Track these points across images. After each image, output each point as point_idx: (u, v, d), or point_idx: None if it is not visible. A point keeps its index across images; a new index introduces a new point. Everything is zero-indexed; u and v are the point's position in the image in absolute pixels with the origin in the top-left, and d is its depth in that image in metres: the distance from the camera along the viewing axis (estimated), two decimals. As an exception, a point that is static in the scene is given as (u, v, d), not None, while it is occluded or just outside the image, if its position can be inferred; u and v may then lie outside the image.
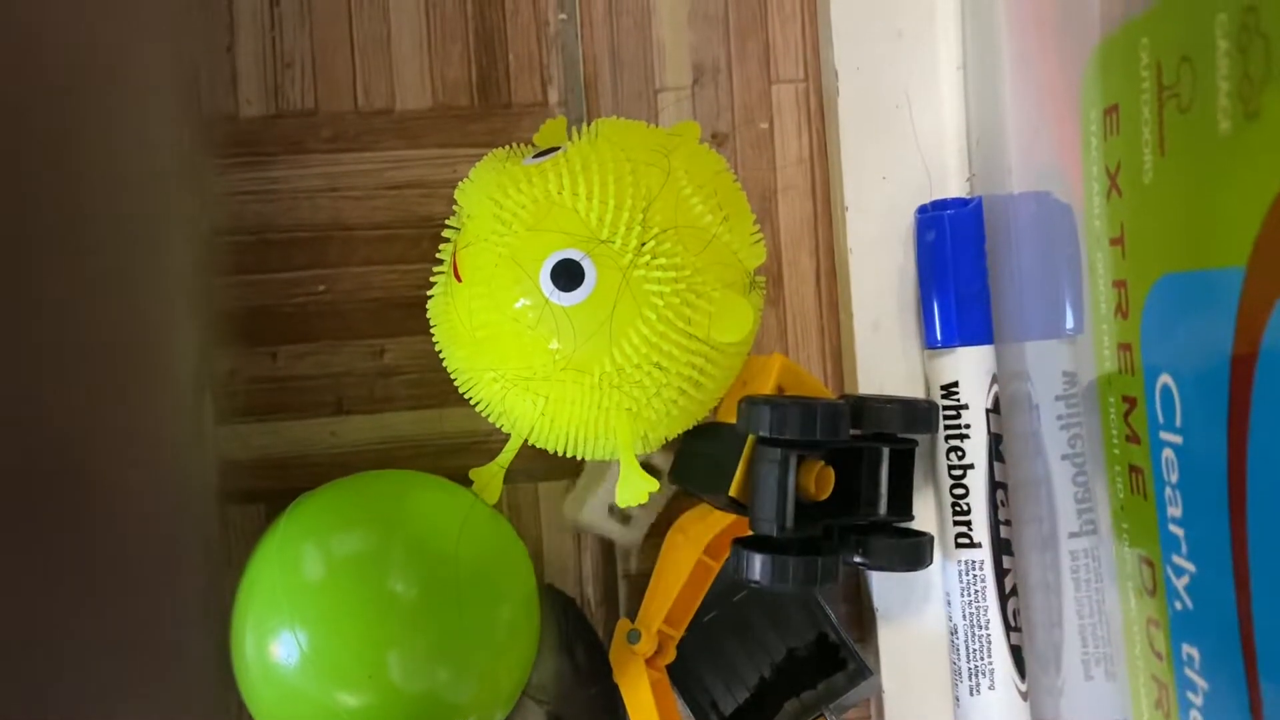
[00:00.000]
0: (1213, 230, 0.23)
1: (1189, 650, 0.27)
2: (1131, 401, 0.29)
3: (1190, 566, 0.26)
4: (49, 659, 0.12)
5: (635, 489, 0.38)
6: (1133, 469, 0.30)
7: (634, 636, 0.41)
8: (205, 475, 0.33)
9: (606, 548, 0.47)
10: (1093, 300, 0.31)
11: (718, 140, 0.47)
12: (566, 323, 0.36)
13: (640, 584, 0.46)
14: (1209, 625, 0.26)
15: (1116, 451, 0.31)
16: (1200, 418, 0.25)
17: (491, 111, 0.47)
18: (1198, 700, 0.27)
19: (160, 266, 0.35)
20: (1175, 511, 0.27)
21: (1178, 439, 0.26)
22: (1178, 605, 0.28)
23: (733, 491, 0.38)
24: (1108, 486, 0.32)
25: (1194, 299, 0.25)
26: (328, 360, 0.46)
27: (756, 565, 0.36)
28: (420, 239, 0.46)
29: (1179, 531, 0.27)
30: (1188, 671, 0.27)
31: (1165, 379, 0.27)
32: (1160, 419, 0.27)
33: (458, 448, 0.46)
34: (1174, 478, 0.27)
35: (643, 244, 0.36)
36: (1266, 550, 0.23)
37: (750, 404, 0.37)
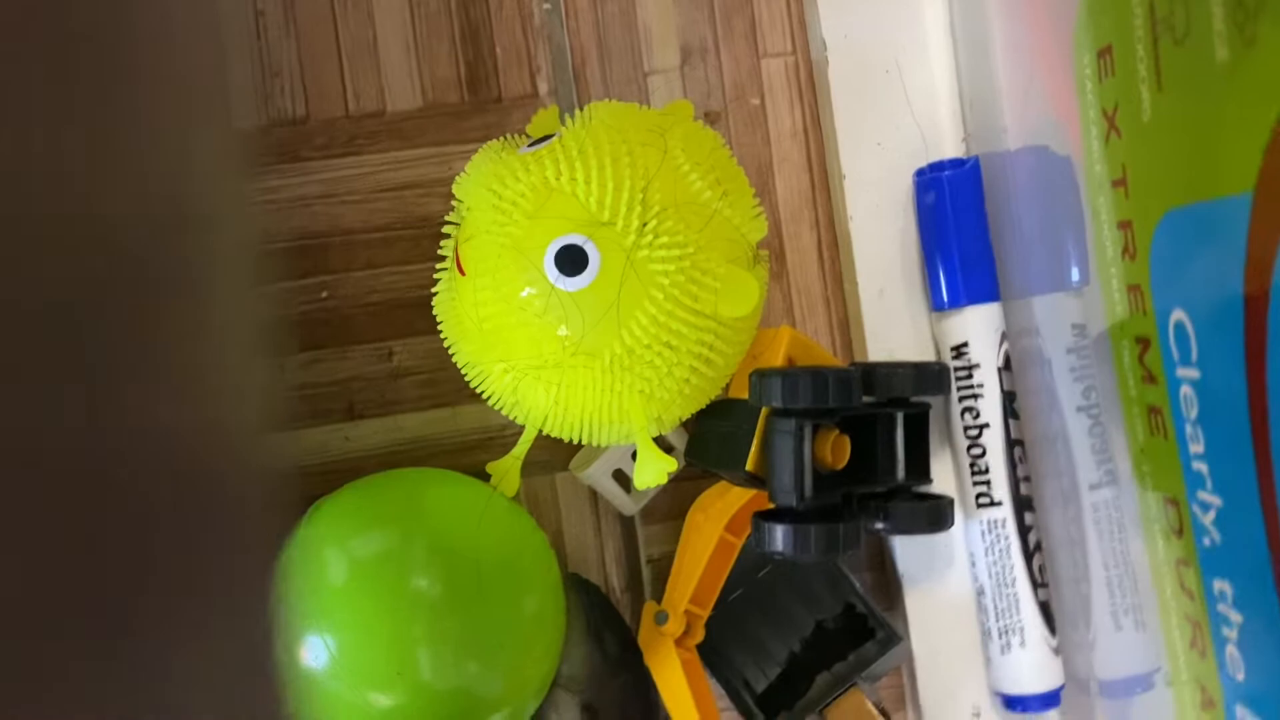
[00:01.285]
0: (1216, 159, 0.23)
1: (1220, 585, 0.27)
2: (1145, 342, 0.29)
3: (1216, 500, 0.26)
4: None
5: (653, 470, 0.38)
6: (1151, 410, 0.30)
7: (661, 618, 0.41)
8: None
9: (628, 534, 0.47)
10: (1098, 245, 0.31)
11: (710, 119, 0.47)
12: (574, 308, 0.36)
13: (663, 567, 0.46)
14: (1239, 557, 0.26)
15: (1133, 394, 0.31)
16: (1217, 349, 0.25)
17: (483, 106, 0.47)
18: (1233, 635, 0.27)
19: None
20: (1197, 448, 0.27)
21: (1195, 374, 0.26)
22: (1206, 541, 0.28)
23: (749, 466, 0.38)
24: (1126, 431, 0.32)
25: (1202, 231, 0.25)
26: (336, 366, 0.46)
27: (778, 536, 0.36)
28: (421, 238, 0.46)
29: (1202, 467, 0.27)
30: (1221, 607, 0.27)
31: (1178, 315, 0.27)
32: (1175, 356, 0.27)
33: (473, 444, 0.46)
34: (1193, 413, 0.27)
35: (644, 224, 0.36)
36: (1292, 477, 0.23)
37: (761, 376, 0.37)
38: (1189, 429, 0.27)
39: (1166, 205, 0.26)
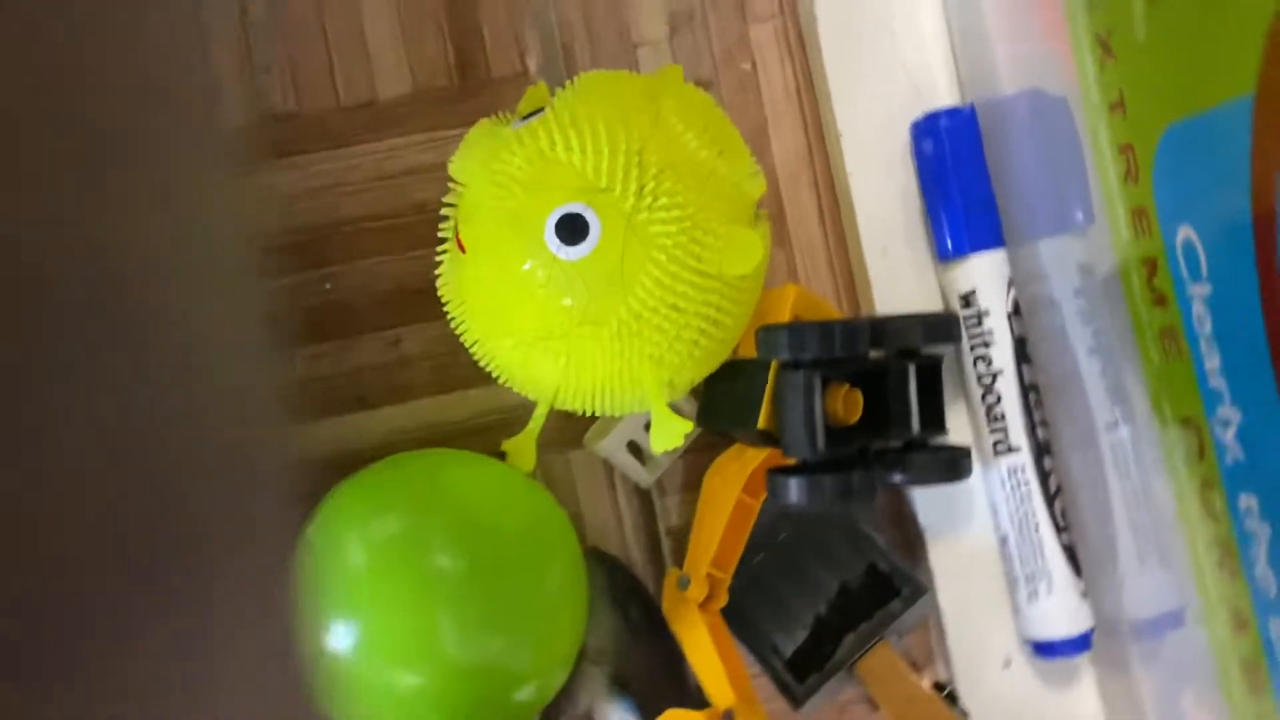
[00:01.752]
0: (1214, 65, 0.23)
1: (1246, 501, 0.27)
2: (1152, 265, 0.29)
3: (1236, 415, 0.26)
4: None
5: (670, 433, 0.38)
6: (1164, 333, 0.30)
7: (684, 583, 0.41)
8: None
9: (645, 506, 0.47)
10: (1100, 173, 0.31)
11: (701, 86, 0.47)
12: (577, 277, 0.36)
13: (683, 537, 0.45)
14: (1264, 470, 0.26)
15: (1145, 320, 0.31)
16: (1227, 260, 0.25)
17: (473, 89, 0.47)
18: (1261, 551, 0.27)
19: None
20: (1213, 363, 0.27)
21: (1206, 289, 0.26)
22: (1228, 459, 0.27)
23: (762, 423, 0.38)
24: (1140, 358, 0.32)
25: (1204, 142, 0.24)
26: (344, 357, 0.46)
27: (792, 488, 0.36)
28: (420, 224, 0.46)
29: (1220, 383, 0.27)
30: (1248, 523, 0.27)
31: (1185, 232, 0.26)
32: (1185, 273, 0.27)
33: (486, 426, 0.46)
34: (1207, 329, 0.27)
35: (642, 187, 0.36)
36: (1311, 383, 0.23)
37: (768, 331, 0.37)
38: (1203, 346, 0.27)
39: (1166, 121, 0.26)
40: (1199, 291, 0.27)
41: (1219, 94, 0.23)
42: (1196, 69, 0.24)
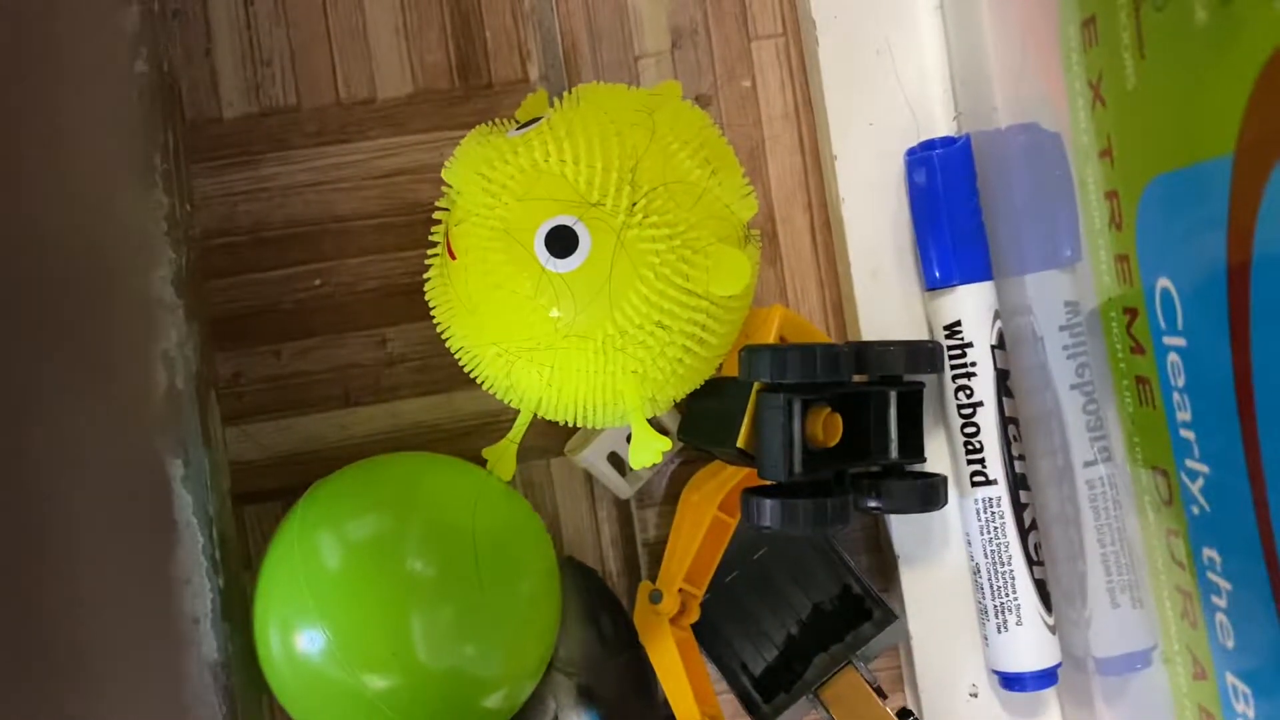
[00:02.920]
0: (1198, 123, 0.23)
1: (1209, 554, 0.27)
2: (1133, 312, 0.29)
3: (1204, 469, 0.26)
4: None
5: (649, 450, 0.38)
6: (1139, 380, 0.30)
7: (656, 597, 0.41)
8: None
9: (624, 517, 0.47)
10: (1086, 217, 0.31)
11: (701, 101, 0.47)
12: (565, 289, 0.36)
13: (659, 550, 0.46)
14: (1227, 525, 0.26)
15: (1122, 366, 0.31)
16: (1201, 315, 0.25)
17: (473, 92, 0.47)
18: (1222, 603, 0.27)
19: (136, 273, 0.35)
20: (1185, 416, 0.27)
21: (1181, 341, 0.26)
22: (1194, 510, 0.28)
23: (740, 443, 0.38)
24: (1116, 403, 0.32)
25: (1185, 196, 0.25)
26: (331, 354, 0.46)
27: (766, 510, 0.36)
28: (413, 225, 0.46)
29: (1189, 435, 0.27)
30: (1210, 576, 0.27)
31: (1163, 283, 0.27)
32: (1162, 324, 0.27)
33: (469, 430, 0.46)
34: (1180, 381, 0.27)
35: (634, 204, 0.36)
36: (1279, 442, 0.23)
37: (750, 351, 0.37)
38: (1176, 397, 0.27)
39: (1151, 173, 0.26)
40: (1174, 343, 0.27)
41: (1202, 150, 0.23)
42: (1181, 124, 0.24)
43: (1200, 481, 0.27)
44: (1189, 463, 0.27)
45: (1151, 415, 0.29)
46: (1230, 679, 0.27)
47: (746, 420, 0.39)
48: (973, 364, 0.42)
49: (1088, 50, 0.29)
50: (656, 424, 0.45)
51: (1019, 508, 0.42)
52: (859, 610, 0.45)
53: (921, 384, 0.41)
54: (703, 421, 0.42)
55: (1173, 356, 0.27)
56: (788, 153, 0.47)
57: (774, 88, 0.47)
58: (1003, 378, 0.42)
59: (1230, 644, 0.27)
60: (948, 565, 0.44)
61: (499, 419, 0.46)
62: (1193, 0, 0.23)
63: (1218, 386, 0.24)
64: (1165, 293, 0.27)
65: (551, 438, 0.46)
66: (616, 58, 0.47)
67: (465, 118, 0.47)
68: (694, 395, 0.41)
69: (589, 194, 0.36)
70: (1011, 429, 0.42)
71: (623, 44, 0.47)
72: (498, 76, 0.47)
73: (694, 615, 0.43)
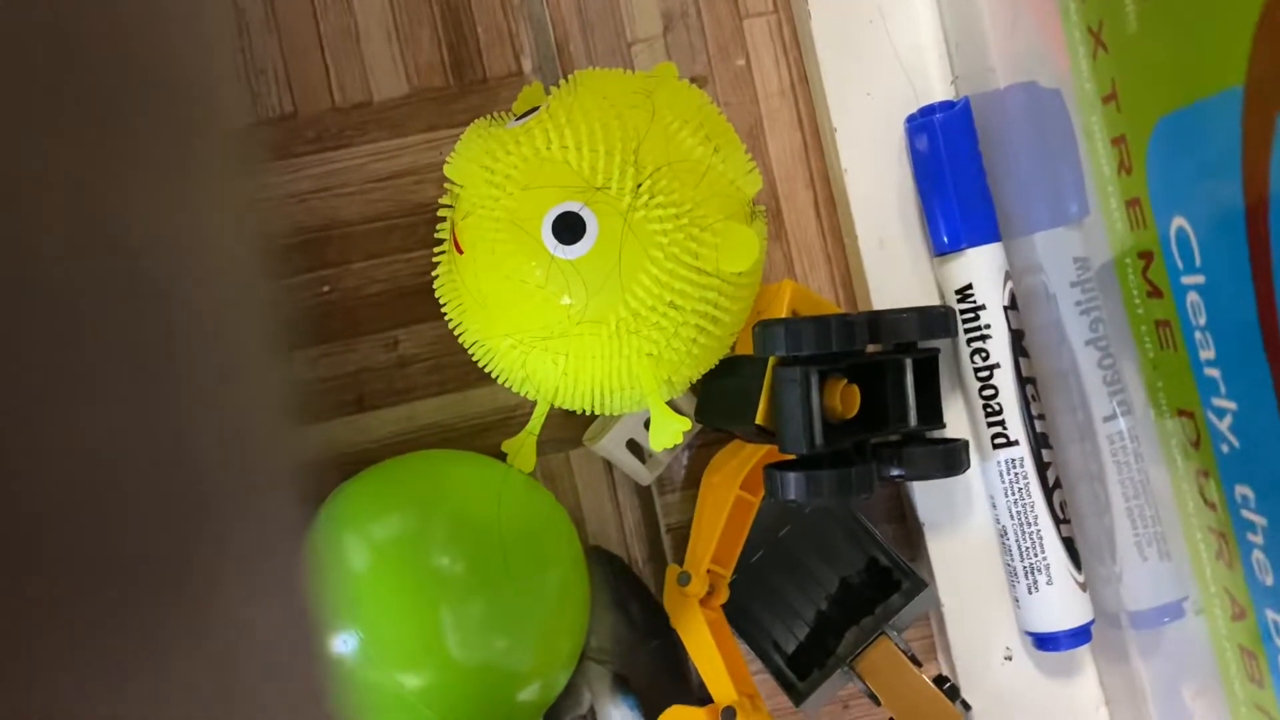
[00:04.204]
0: (1204, 58, 0.23)
1: (1242, 491, 0.27)
2: (1148, 256, 0.29)
3: (1231, 405, 0.26)
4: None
5: (668, 430, 0.38)
6: (1159, 324, 0.30)
7: (684, 579, 0.41)
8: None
9: (646, 504, 0.47)
10: (1094, 166, 0.31)
11: (697, 83, 0.47)
12: (575, 276, 0.36)
13: (683, 536, 0.46)
14: (1259, 459, 0.26)
15: (1140, 311, 0.31)
16: (1220, 249, 0.25)
17: (468, 89, 0.47)
18: (1258, 539, 0.27)
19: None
20: (1208, 354, 0.27)
21: (1200, 279, 0.26)
22: (1224, 448, 0.27)
23: (759, 419, 0.38)
24: (1135, 350, 0.32)
25: (1196, 132, 0.25)
26: (343, 359, 0.46)
27: (791, 483, 0.36)
28: (417, 225, 0.46)
29: (1215, 373, 0.27)
30: (1244, 513, 0.27)
31: (1179, 222, 0.26)
32: (1180, 264, 0.27)
33: (486, 426, 0.46)
34: (1201, 320, 0.27)
35: (639, 185, 0.36)
36: (1305, 372, 0.23)
37: (764, 326, 0.37)
38: (1198, 336, 0.27)
39: (1158, 113, 0.26)
40: (1193, 282, 0.27)
41: (1210, 85, 0.23)
42: (1188, 60, 0.24)
43: (1229, 419, 0.27)
44: (1216, 401, 0.27)
45: (1173, 358, 0.29)
46: (1271, 615, 0.27)
47: (764, 396, 0.39)
48: (986, 326, 0.42)
49: (1086, -2, 0.29)
50: (673, 408, 0.45)
51: (1042, 467, 0.42)
52: (887, 582, 0.45)
53: (936, 350, 0.41)
54: (720, 402, 0.42)
55: (1192, 296, 0.27)
56: (786, 129, 0.47)
57: (768, 65, 0.47)
58: (1018, 338, 0.42)
59: (1269, 580, 0.27)
60: (973, 530, 0.44)
61: (515, 413, 0.46)
62: (1193, -67, 0.23)
63: (1241, 320, 0.24)
64: (1181, 232, 0.26)
65: (569, 429, 0.46)
66: (609, 45, 0.47)
67: (462, 115, 0.47)
68: (709, 376, 0.41)
69: (593, 178, 0.36)
70: (1029, 389, 0.42)
71: (614, 31, 0.47)
72: (492, 71, 0.47)
73: (723, 596, 0.42)
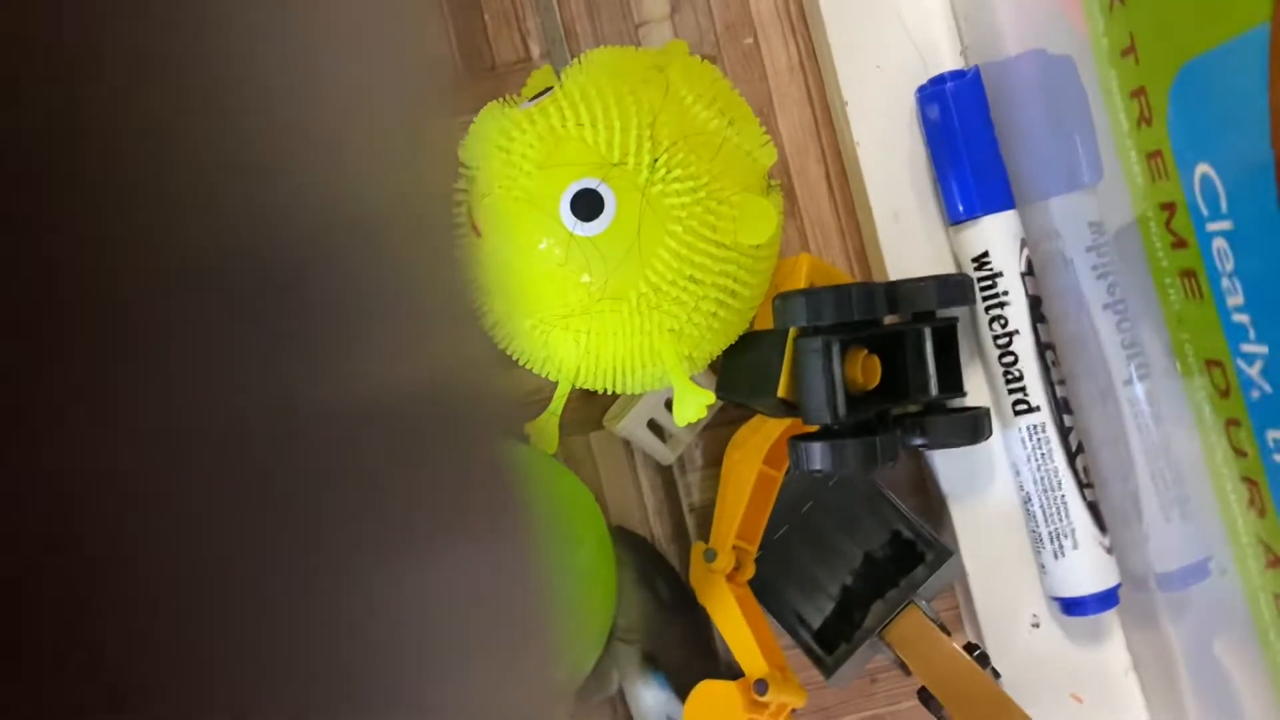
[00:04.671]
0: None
1: (1275, 435, 0.27)
2: (1170, 207, 0.29)
3: (1262, 349, 0.26)
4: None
5: (692, 405, 0.38)
6: (1184, 274, 0.30)
7: (710, 555, 0.41)
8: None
9: (668, 484, 0.47)
10: (1113, 120, 0.31)
11: (706, 63, 0.47)
12: (595, 253, 0.36)
13: (706, 513, 0.46)
14: (1291, 402, 0.26)
15: (1164, 264, 0.31)
16: (1247, 194, 0.25)
17: (477, 76, 0.47)
18: (1292, 485, 0.27)
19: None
20: (1236, 300, 0.27)
21: (1227, 224, 0.26)
22: (1255, 394, 0.28)
23: (781, 392, 0.38)
24: (1159, 306, 0.32)
25: (1220, 75, 0.25)
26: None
27: (815, 454, 0.36)
28: (431, 213, 0.46)
29: (1244, 318, 0.27)
30: (1276, 458, 0.27)
31: (1203, 169, 0.27)
32: (1205, 212, 0.27)
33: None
34: (1229, 266, 0.27)
35: (655, 160, 0.36)
36: (1337, 311, 0.23)
37: (784, 298, 0.37)
38: (1225, 283, 0.27)
39: (1180, 60, 0.26)
40: (1219, 228, 0.27)
41: (1233, 27, 0.23)
42: (1209, 3, 0.24)
43: (1259, 364, 0.27)
44: (1245, 347, 0.27)
45: (1200, 308, 0.29)
46: (1308, 559, 0.27)
47: (785, 369, 0.39)
48: (1004, 293, 0.42)
49: (1101, -48, 0.29)
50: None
51: (1064, 432, 0.42)
52: (911, 554, 0.45)
53: (955, 319, 0.41)
54: (741, 377, 0.42)
55: (1218, 242, 0.27)
56: (796, 106, 0.47)
57: (776, 42, 0.47)
58: (1035, 304, 0.42)
59: (1305, 524, 0.27)
60: (996, 498, 0.44)
61: (535, 396, 0.46)
62: (1212, -125, 0.23)
63: (1271, 263, 0.24)
64: (1205, 179, 0.27)
65: (589, 411, 0.46)
66: (617, 27, 0.47)
67: (471, 101, 0.47)
68: (729, 352, 0.41)
69: (610, 154, 0.36)
70: (1049, 354, 0.42)
71: (621, 13, 0.47)
72: (500, 58, 0.47)
73: (750, 571, 0.42)
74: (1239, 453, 0.29)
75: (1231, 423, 0.29)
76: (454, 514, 0.13)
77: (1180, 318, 0.31)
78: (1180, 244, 0.29)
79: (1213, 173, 0.26)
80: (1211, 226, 0.27)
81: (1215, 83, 0.25)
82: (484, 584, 0.14)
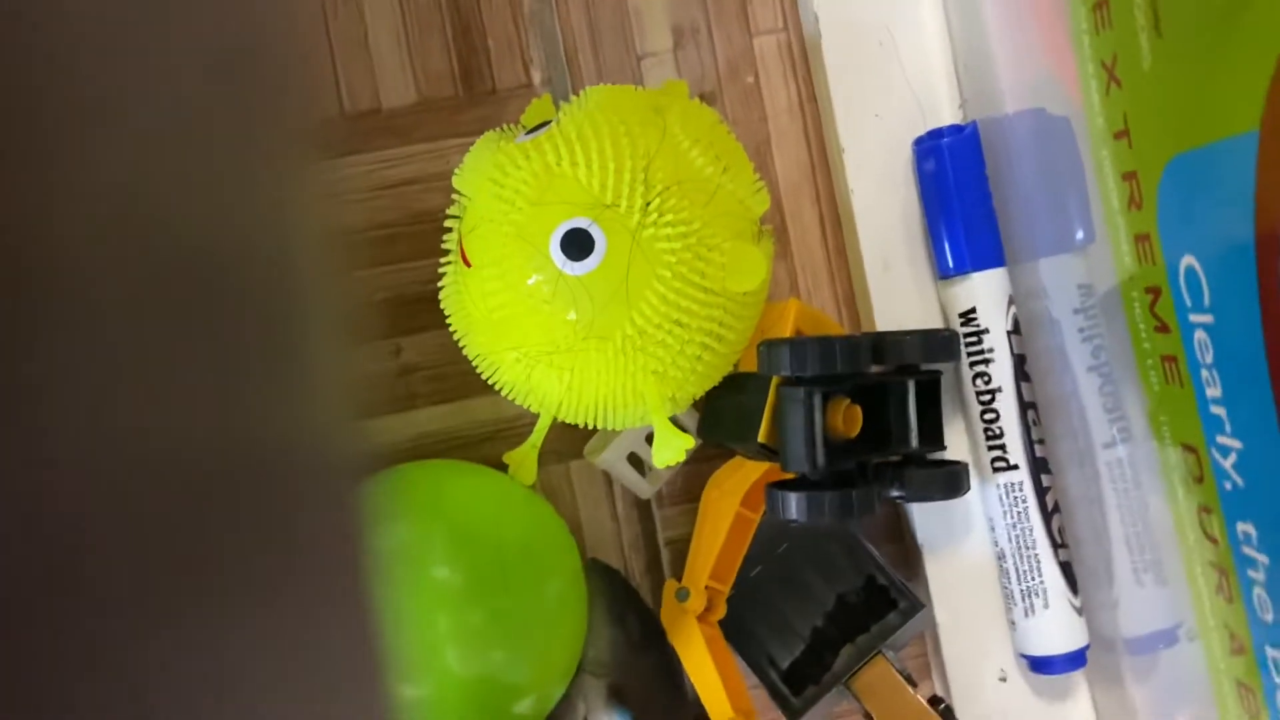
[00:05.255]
0: (1220, 100, 0.23)
1: (1244, 528, 0.27)
2: (1155, 292, 0.29)
3: (1236, 443, 0.26)
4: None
5: (672, 449, 0.38)
6: (1165, 359, 0.30)
7: (683, 594, 0.41)
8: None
9: (645, 517, 0.47)
10: (1103, 199, 0.31)
11: (705, 100, 0.47)
12: (583, 292, 0.36)
13: (682, 550, 0.46)
14: (1262, 498, 0.26)
15: (1146, 346, 0.31)
16: (1230, 291, 0.25)
17: (477, 99, 0.47)
18: (1259, 576, 0.27)
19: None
20: (1214, 392, 0.27)
21: (1208, 318, 0.26)
22: (1227, 485, 0.28)
23: (762, 437, 0.38)
24: (1140, 383, 0.32)
25: (1209, 174, 0.25)
26: (346, 365, 0.46)
27: (792, 503, 0.36)
28: (423, 234, 0.46)
29: (1220, 411, 0.27)
30: (1245, 550, 0.27)
31: (1188, 260, 0.27)
32: (1188, 302, 0.27)
33: (487, 436, 0.46)
34: (1209, 358, 0.27)
35: (648, 203, 0.36)
36: (1311, 414, 0.23)
37: (770, 346, 0.37)
38: (1205, 374, 0.27)
39: (1171, 152, 0.26)
40: (1201, 320, 0.27)
41: (1224, 128, 0.23)
42: (1202, 102, 0.24)
43: (1233, 457, 0.27)
44: (1221, 439, 0.27)
45: (1179, 393, 0.29)
46: (1270, 652, 0.27)
47: (767, 415, 0.39)
48: (989, 350, 0.42)
49: (1099, 33, 0.29)
50: (675, 424, 0.45)
51: (1041, 491, 0.42)
52: (884, 600, 0.45)
53: (939, 372, 0.41)
54: (723, 418, 0.42)
55: (1200, 334, 0.27)
56: (794, 147, 0.47)
57: (777, 83, 0.47)
58: (1020, 363, 0.42)
59: (1269, 617, 0.27)
60: (972, 552, 0.44)
61: (516, 424, 0.46)
62: (1211, -22, 0.23)
63: (1249, 360, 0.25)
64: (1190, 270, 0.27)
65: (570, 441, 0.46)
66: (619, 59, 0.47)
67: (470, 124, 0.47)
68: (713, 392, 0.41)
69: (603, 195, 0.36)
70: (1030, 413, 0.42)
71: (624, 45, 0.47)
72: (501, 82, 0.47)
73: (721, 611, 0.43)
74: (1210, 538, 0.30)
75: (1204, 509, 0.29)
76: (264, 578, 0.12)
77: (1159, 399, 0.31)
78: (1163, 328, 0.29)
79: (1197, 266, 0.26)
80: (1194, 318, 0.27)
81: (1205, 179, 0.25)
82: (301, 662, 0.13)
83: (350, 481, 0.15)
